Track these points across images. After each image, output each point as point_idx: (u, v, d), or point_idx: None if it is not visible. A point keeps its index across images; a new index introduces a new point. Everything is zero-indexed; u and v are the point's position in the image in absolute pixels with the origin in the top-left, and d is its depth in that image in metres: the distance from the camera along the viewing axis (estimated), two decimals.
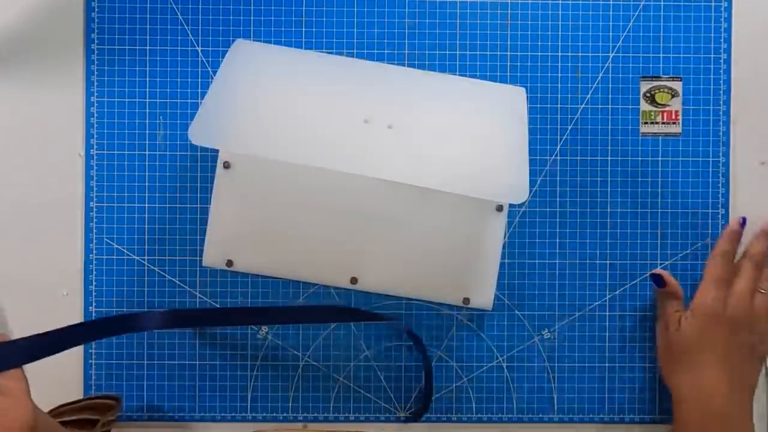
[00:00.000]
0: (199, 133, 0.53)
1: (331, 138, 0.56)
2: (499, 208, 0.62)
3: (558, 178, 0.65)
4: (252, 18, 0.65)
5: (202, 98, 0.64)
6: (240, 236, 0.63)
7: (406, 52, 0.65)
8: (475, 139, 0.58)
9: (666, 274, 0.63)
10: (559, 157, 0.65)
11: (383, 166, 0.56)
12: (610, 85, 0.65)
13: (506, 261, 0.65)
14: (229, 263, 0.63)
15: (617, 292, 0.65)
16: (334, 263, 0.63)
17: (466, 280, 0.63)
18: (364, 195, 0.63)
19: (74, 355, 0.64)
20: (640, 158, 0.65)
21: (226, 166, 0.63)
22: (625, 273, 0.65)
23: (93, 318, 0.64)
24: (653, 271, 0.63)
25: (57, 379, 0.64)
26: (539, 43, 0.65)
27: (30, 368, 0.65)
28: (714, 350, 0.59)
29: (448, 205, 0.63)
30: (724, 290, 0.60)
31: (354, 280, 0.63)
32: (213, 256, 0.63)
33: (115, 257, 0.64)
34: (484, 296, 0.63)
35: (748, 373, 0.61)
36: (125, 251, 0.64)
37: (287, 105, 0.55)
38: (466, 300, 0.63)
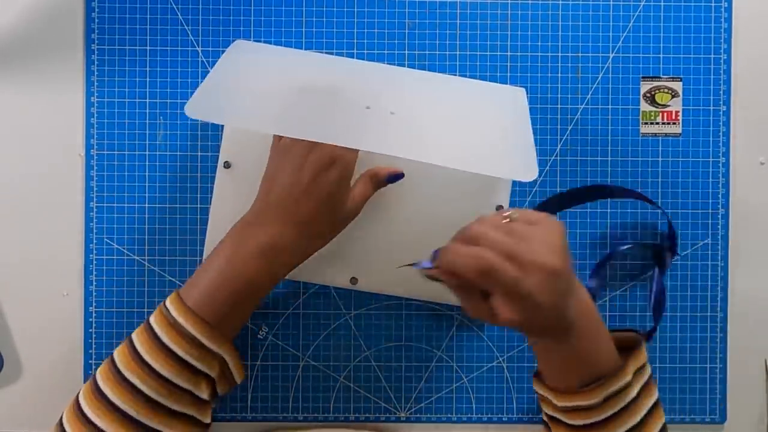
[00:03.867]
0: (196, 108, 0.50)
1: (332, 117, 0.55)
2: (499, 208, 0.62)
3: (558, 178, 0.65)
4: (252, 18, 0.65)
5: None
6: None
7: (406, 52, 0.65)
8: (481, 123, 0.57)
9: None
10: (559, 157, 0.65)
11: (385, 142, 0.53)
12: (610, 85, 0.65)
13: None
14: None
15: (617, 292, 0.65)
16: (334, 263, 0.63)
17: None
18: None
19: (74, 352, 0.64)
20: (640, 158, 0.65)
21: (227, 166, 0.63)
22: (626, 273, 0.65)
23: (92, 318, 0.64)
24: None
25: (56, 377, 0.64)
26: (539, 43, 0.65)
27: (30, 358, 0.65)
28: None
29: (448, 206, 0.63)
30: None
31: (354, 280, 0.63)
32: None
33: (115, 257, 0.64)
34: None
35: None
36: (125, 251, 0.64)
37: (289, 84, 0.54)
38: None
